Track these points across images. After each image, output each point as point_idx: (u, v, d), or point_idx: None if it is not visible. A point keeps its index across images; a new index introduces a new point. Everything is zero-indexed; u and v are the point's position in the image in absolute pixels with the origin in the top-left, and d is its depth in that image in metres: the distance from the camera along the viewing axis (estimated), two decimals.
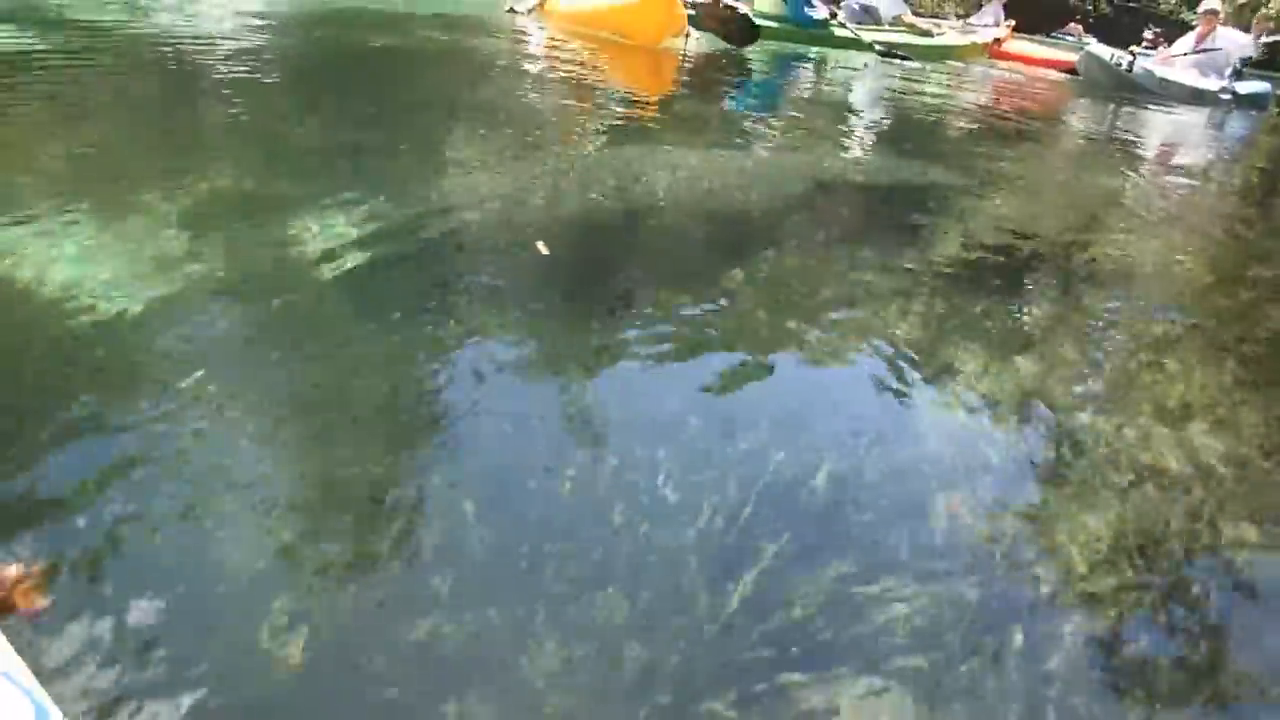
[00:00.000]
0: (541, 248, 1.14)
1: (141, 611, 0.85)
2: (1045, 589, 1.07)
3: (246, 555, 0.94)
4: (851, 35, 8.32)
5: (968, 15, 10.52)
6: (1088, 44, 9.65)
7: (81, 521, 0.96)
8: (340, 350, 1.40)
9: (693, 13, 7.34)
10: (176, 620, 0.85)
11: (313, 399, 1.25)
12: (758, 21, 7.59)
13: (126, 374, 1.27)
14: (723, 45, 7.33)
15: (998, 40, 10.35)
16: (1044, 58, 10.70)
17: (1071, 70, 9.63)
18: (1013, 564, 1.11)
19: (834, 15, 8.62)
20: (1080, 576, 1.10)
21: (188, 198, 1.98)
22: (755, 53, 7.31)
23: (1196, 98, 8.25)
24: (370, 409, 1.25)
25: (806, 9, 8.26)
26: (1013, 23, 10.98)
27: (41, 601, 0.41)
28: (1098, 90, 8.32)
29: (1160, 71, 8.48)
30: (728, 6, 7.35)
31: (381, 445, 1.17)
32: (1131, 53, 8.79)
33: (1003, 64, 10.13)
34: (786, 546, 1.07)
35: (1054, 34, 9.65)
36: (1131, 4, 27.40)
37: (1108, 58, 8.51)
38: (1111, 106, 7.40)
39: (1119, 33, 13.78)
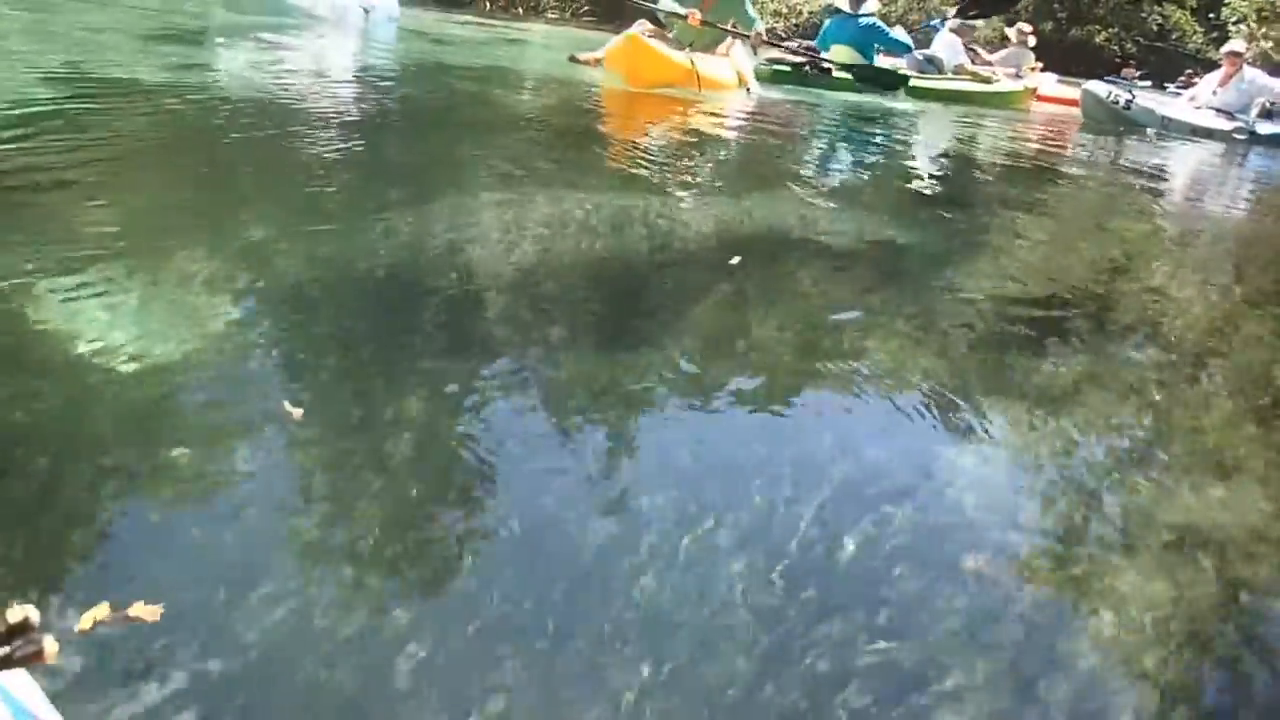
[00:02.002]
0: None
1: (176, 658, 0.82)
2: (1077, 655, 1.03)
3: (281, 599, 0.92)
4: (921, 85, 8.52)
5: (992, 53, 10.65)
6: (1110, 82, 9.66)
7: (120, 574, 0.95)
8: (371, 397, 1.39)
9: (766, 65, 7.68)
10: (217, 672, 0.83)
11: (344, 449, 1.24)
12: (836, 73, 7.91)
13: (168, 421, 1.26)
14: (793, 97, 7.40)
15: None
16: (1072, 98, 10.81)
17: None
18: (1043, 628, 1.07)
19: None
20: (1113, 642, 1.06)
21: (231, 250, 1.99)
22: (818, 102, 7.35)
23: (1204, 135, 8.18)
24: (400, 460, 1.23)
25: (893, 37, 8.48)
26: (1040, 64, 11.08)
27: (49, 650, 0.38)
28: (1103, 128, 8.28)
29: (1162, 109, 8.43)
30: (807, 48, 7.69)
31: (411, 496, 1.16)
32: (1131, 90, 8.75)
33: (1046, 107, 10.26)
34: (810, 602, 1.04)
35: (1108, 78, 9.74)
36: (1158, 44, 27.43)
37: (1105, 95, 8.47)
38: (1114, 145, 7.35)
39: (1172, 75, 13.83)
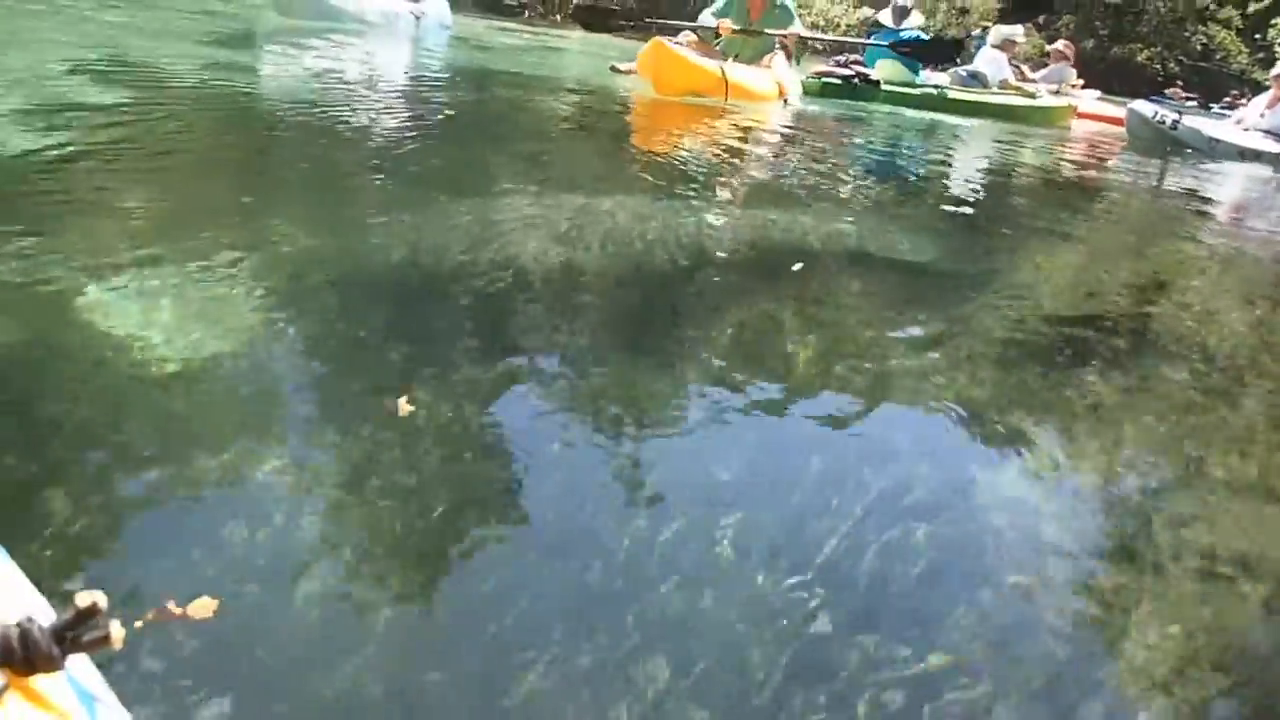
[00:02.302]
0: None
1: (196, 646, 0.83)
2: (1109, 678, 1.02)
3: (310, 603, 0.94)
4: (965, 100, 8.52)
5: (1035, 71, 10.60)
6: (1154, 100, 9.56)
7: (152, 569, 0.96)
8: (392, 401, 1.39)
9: (814, 79, 7.75)
10: (250, 667, 0.84)
11: (371, 452, 1.25)
12: (885, 87, 7.93)
13: (196, 422, 1.27)
14: (836, 110, 7.40)
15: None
16: (1112, 115, 10.73)
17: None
18: (1076, 651, 1.05)
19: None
20: (1146, 666, 1.04)
21: (268, 248, 2.02)
22: (863, 117, 7.32)
23: (1252, 158, 8.03)
24: (433, 459, 1.24)
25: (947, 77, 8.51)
26: (1081, 81, 10.99)
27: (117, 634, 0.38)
28: (1149, 148, 8.16)
29: (1209, 131, 8.29)
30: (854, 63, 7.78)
31: (443, 496, 1.16)
32: (1178, 110, 8.62)
33: (1088, 124, 10.21)
34: (840, 617, 1.03)
35: (1154, 97, 9.67)
36: (1201, 64, 27.07)
37: (1151, 115, 8.35)
38: (1160, 164, 7.25)
39: (1216, 96, 13.68)
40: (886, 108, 7.90)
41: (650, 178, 3.55)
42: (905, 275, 2.66)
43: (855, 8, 23.76)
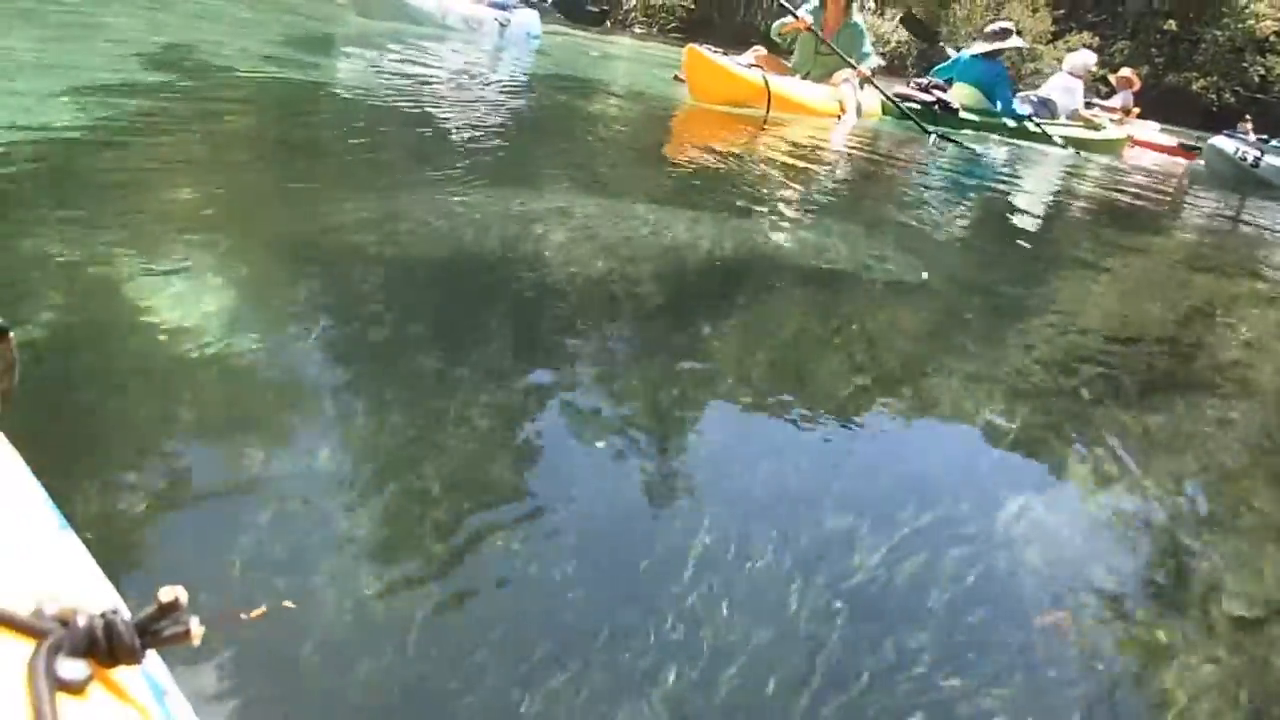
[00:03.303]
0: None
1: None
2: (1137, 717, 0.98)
3: (336, 601, 0.95)
4: (1038, 130, 8.45)
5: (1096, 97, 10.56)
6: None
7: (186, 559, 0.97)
8: (436, 393, 1.41)
9: (884, 98, 7.75)
10: (275, 661, 0.86)
11: (403, 448, 1.26)
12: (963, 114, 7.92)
13: (236, 412, 1.29)
14: (903, 133, 7.36)
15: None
16: (1169, 145, 10.63)
17: (1187, 154, 9.56)
18: (1110, 691, 1.04)
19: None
20: (1179, 711, 1.01)
21: (314, 242, 2.05)
22: (923, 140, 7.27)
23: None
24: (459, 461, 1.26)
25: (1011, 101, 8.39)
26: (1138, 110, 10.89)
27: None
28: (1228, 183, 8.02)
29: None
30: (934, 87, 7.82)
31: (472, 496, 1.18)
32: (1260, 148, 8.45)
33: (1147, 155, 10.18)
34: (867, 640, 1.02)
35: (1227, 132, 9.61)
36: (1258, 95, 26.54)
37: (1233, 152, 8.20)
38: (1236, 200, 7.12)
39: (1273, 128, 13.44)
40: (964, 134, 7.84)
41: (702, 187, 3.55)
42: (953, 299, 2.64)
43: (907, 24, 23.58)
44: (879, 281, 2.62)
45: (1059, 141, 8.43)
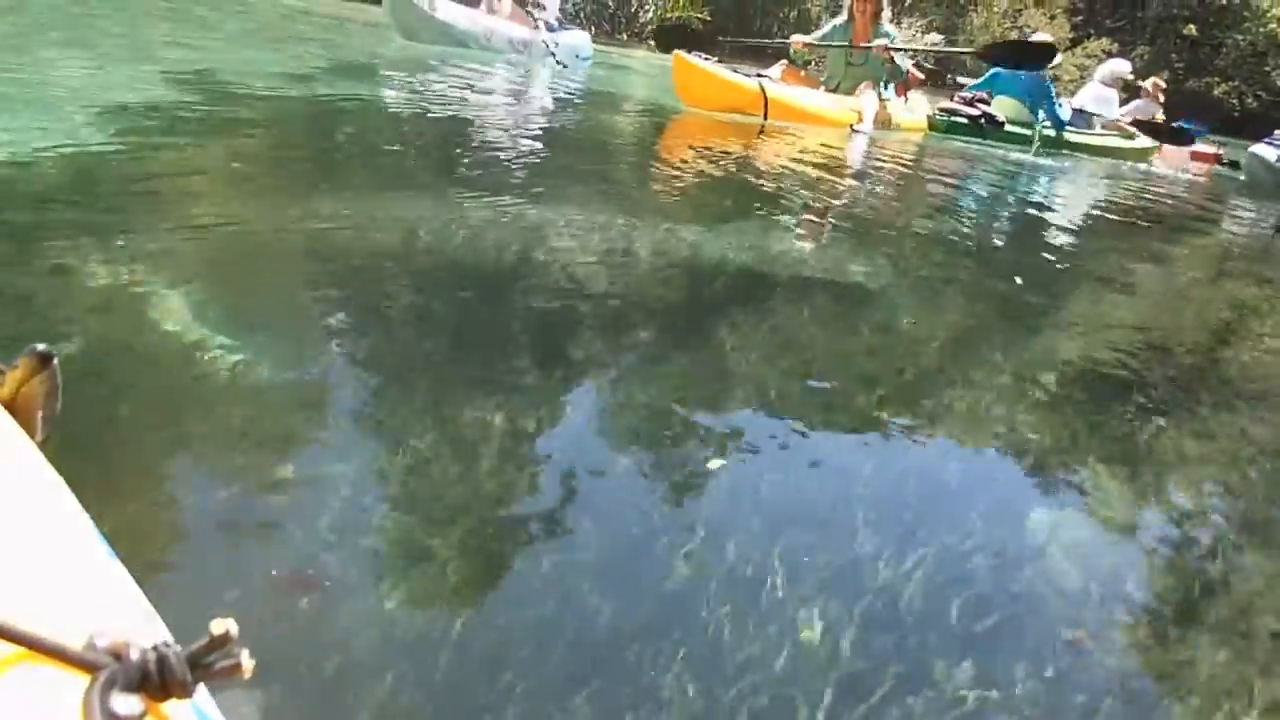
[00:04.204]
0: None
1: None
2: None
3: (360, 617, 0.95)
4: (1079, 141, 8.52)
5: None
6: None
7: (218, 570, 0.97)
8: (455, 407, 1.41)
9: (942, 116, 7.87)
10: (293, 674, 0.86)
11: (427, 465, 1.27)
12: (1009, 127, 7.95)
13: (266, 430, 1.29)
14: (930, 143, 7.36)
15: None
16: (1197, 151, 10.64)
17: (1217, 160, 9.64)
18: (1133, 708, 1.02)
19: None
20: None
21: (338, 256, 2.07)
22: (949, 149, 7.25)
23: None
24: (481, 473, 1.26)
25: (1058, 108, 8.38)
26: (1163, 118, 10.87)
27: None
28: (1270, 192, 7.95)
29: None
30: (979, 101, 7.87)
31: (490, 511, 1.18)
32: None
33: (1178, 160, 10.22)
34: (889, 654, 1.02)
35: (1267, 139, 9.62)
36: None
37: (1274, 159, 8.13)
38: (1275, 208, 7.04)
39: None
40: (1005, 146, 7.81)
41: (710, 198, 3.55)
42: (977, 309, 2.62)
43: (924, 32, 23.57)
44: (899, 291, 2.61)
45: (1096, 149, 8.42)
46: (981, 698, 0.98)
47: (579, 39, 10.52)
